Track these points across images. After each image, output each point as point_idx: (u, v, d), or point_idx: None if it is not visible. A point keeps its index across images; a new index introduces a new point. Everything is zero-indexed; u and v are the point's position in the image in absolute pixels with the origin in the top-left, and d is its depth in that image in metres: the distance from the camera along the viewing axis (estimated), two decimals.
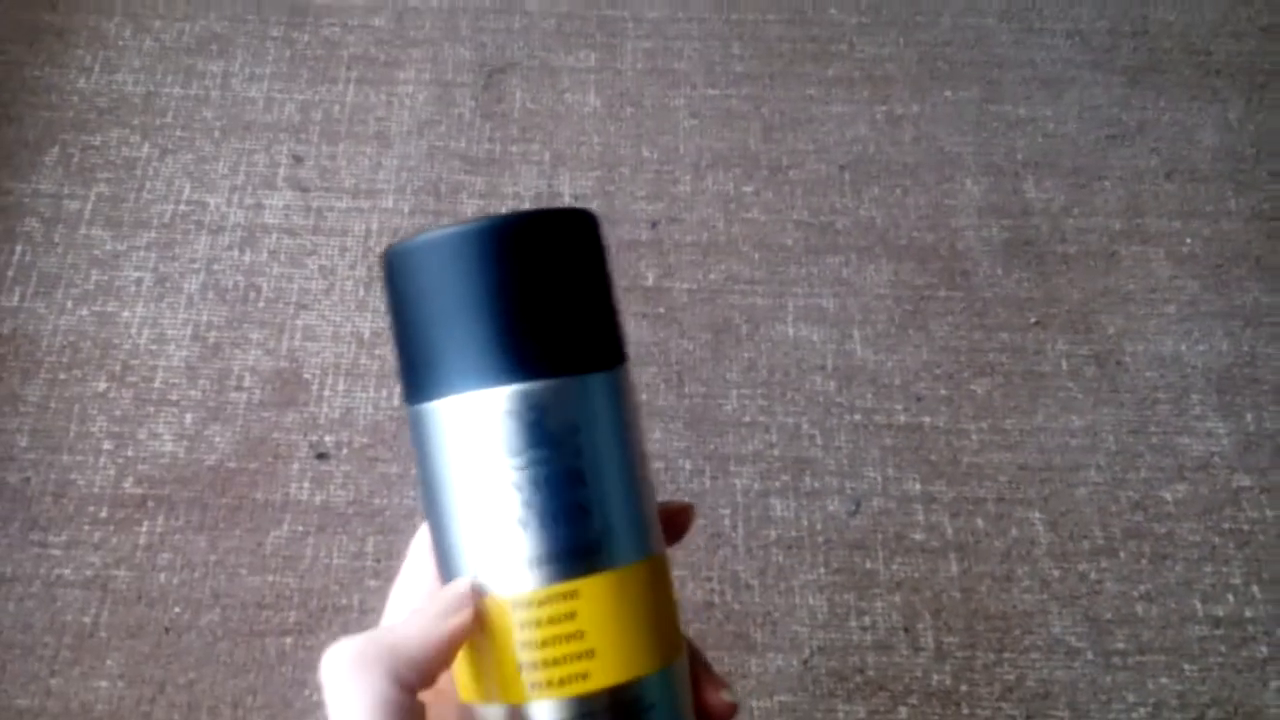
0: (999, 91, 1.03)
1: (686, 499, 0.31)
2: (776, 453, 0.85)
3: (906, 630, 0.78)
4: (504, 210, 0.94)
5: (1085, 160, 0.99)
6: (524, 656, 0.30)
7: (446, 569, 0.32)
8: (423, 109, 1.01)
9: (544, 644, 0.30)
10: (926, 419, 0.86)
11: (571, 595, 0.30)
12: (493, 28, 1.06)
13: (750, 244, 0.94)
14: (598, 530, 0.30)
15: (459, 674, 0.32)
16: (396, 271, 0.32)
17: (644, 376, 0.87)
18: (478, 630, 0.31)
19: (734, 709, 0.34)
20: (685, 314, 0.91)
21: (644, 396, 0.87)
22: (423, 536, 0.35)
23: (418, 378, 0.32)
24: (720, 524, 0.82)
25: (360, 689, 0.28)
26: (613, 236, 0.93)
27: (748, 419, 0.86)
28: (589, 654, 0.29)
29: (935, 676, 0.77)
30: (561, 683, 0.29)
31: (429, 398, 0.31)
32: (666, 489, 0.83)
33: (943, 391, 0.88)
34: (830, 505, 0.83)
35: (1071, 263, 0.93)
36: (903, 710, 0.75)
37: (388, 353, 0.88)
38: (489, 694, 0.31)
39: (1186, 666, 0.77)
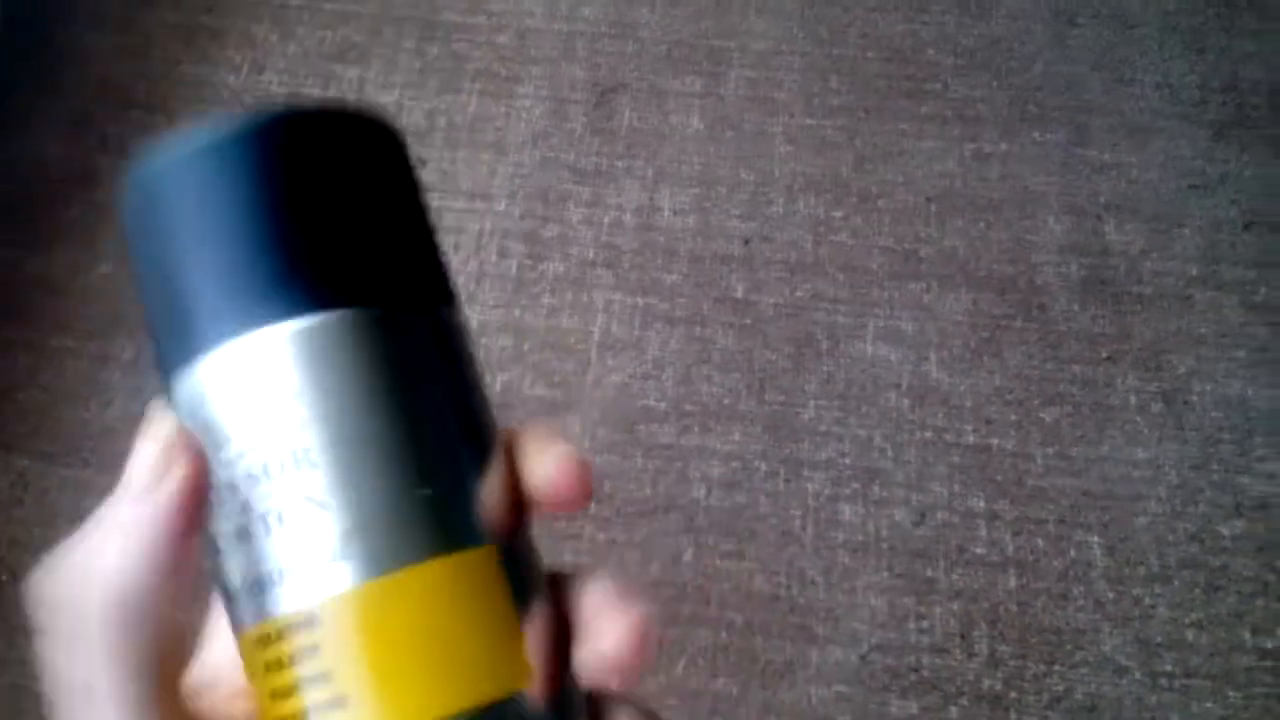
0: (1086, 136, 1.07)
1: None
2: (848, 462, 0.90)
3: (962, 637, 0.83)
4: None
5: (1166, 207, 1.03)
6: (272, 711, 0.23)
7: None
8: (538, 122, 1.08)
9: (281, 695, 0.23)
10: (995, 441, 0.91)
11: (308, 624, 0.22)
12: (607, 50, 1.13)
13: (836, 266, 0.99)
14: (342, 531, 0.23)
15: None
16: (147, 204, 0.24)
17: (727, 382, 0.93)
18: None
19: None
20: (770, 327, 0.96)
21: (726, 401, 0.93)
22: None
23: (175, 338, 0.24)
24: (791, 524, 0.87)
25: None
26: (707, 250, 0.99)
27: (823, 428, 0.91)
28: (339, 703, 0.22)
29: (986, 681, 0.81)
30: None
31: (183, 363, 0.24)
32: (742, 488, 0.88)
33: (1012, 417, 0.92)
34: (896, 514, 0.87)
35: (1146, 303, 0.97)
36: (953, 710, 0.80)
37: (500, 341, 0.95)
38: None
39: (1231, 693, 0.80)
